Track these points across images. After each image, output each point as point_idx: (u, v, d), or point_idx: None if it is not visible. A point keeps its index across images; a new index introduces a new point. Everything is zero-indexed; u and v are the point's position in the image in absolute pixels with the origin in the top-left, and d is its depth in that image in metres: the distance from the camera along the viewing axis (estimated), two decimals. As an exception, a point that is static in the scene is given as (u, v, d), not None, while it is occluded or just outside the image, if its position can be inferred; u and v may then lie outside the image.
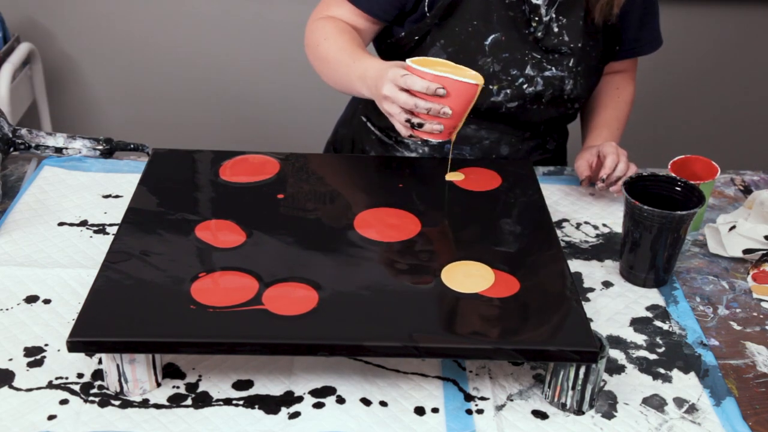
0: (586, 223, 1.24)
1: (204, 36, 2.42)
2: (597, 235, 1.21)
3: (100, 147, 1.34)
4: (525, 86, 1.28)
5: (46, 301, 1.02)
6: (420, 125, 1.07)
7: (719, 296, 1.11)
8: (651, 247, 1.07)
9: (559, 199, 1.29)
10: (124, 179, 1.27)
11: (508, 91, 1.28)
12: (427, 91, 1.04)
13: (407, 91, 1.06)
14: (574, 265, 1.14)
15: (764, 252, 1.15)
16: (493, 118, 1.32)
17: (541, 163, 1.40)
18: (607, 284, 1.11)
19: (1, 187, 1.25)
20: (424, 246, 1.02)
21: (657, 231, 1.06)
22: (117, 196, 1.23)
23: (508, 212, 1.12)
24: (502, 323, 0.91)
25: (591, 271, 1.13)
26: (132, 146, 1.36)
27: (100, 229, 1.16)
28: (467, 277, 0.97)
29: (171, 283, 0.93)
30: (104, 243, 1.11)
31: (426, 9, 1.26)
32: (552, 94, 1.30)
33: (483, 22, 1.25)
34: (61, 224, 1.16)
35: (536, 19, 1.27)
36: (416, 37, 1.28)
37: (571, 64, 1.29)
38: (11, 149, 1.30)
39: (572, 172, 1.35)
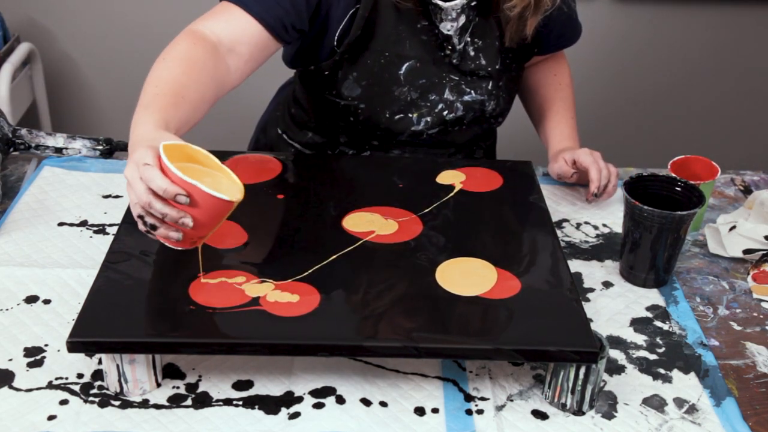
0: (586, 223, 1.24)
1: (204, 36, 2.41)
2: (597, 235, 1.21)
3: (100, 147, 1.34)
4: (445, 113, 1.25)
5: (46, 302, 1.02)
6: (153, 227, 0.87)
7: (719, 296, 1.11)
8: (651, 247, 1.07)
9: (559, 199, 1.29)
10: (124, 179, 1.27)
11: (428, 118, 1.25)
12: (164, 194, 0.84)
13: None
14: (574, 265, 1.14)
15: (764, 252, 1.15)
16: (416, 143, 1.29)
17: None
18: (607, 284, 1.11)
19: (1, 187, 1.25)
20: (426, 247, 1.02)
21: (657, 231, 1.06)
22: (117, 196, 1.23)
23: (508, 213, 1.12)
24: (502, 323, 0.91)
25: (591, 271, 1.13)
26: (132, 146, 1.36)
27: (100, 229, 1.16)
28: (468, 276, 0.97)
29: (171, 283, 0.93)
30: (104, 243, 1.11)
31: (335, 44, 1.19)
32: (473, 116, 1.27)
33: (395, 51, 1.20)
34: (61, 224, 1.16)
35: (449, 47, 1.22)
36: (326, 73, 1.22)
37: (490, 87, 1.26)
38: (11, 149, 1.30)
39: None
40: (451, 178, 1.18)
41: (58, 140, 1.32)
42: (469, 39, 1.23)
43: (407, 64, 1.21)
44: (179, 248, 0.91)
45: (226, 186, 0.89)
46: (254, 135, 1.49)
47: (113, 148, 1.35)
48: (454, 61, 1.23)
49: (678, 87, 2.55)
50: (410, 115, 1.24)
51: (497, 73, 1.26)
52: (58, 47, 2.43)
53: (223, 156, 1.19)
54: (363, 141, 1.31)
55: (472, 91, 1.25)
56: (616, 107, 2.56)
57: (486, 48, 1.24)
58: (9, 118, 2.06)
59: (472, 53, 1.24)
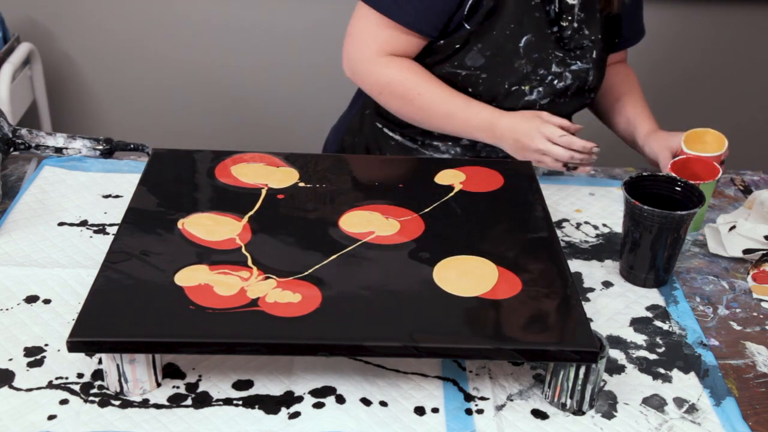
0: (586, 223, 1.24)
1: (204, 36, 2.42)
2: (597, 235, 1.21)
3: (100, 147, 1.34)
4: (555, 81, 1.31)
5: (46, 301, 1.02)
6: (574, 168, 1.25)
7: (719, 296, 1.11)
8: (651, 247, 1.07)
9: (559, 199, 1.29)
10: (124, 179, 1.27)
11: (540, 89, 1.31)
12: (583, 149, 1.22)
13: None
14: (574, 265, 1.14)
15: (764, 252, 1.15)
16: None
17: None
18: (607, 284, 1.11)
19: (1, 187, 1.25)
20: (426, 246, 1.02)
21: (657, 231, 1.06)
22: (117, 196, 1.23)
23: (508, 212, 1.12)
24: (502, 323, 0.91)
25: (591, 271, 1.13)
26: (132, 146, 1.36)
27: (100, 229, 1.16)
28: (469, 276, 0.97)
29: (171, 283, 0.93)
30: (104, 243, 1.11)
31: (464, 19, 1.26)
32: (577, 86, 1.33)
33: (517, 24, 1.27)
34: (61, 224, 1.16)
35: (569, 18, 1.29)
36: (457, 46, 1.28)
37: (594, 56, 1.32)
38: (11, 149, 1.30)
39: (571, 172, 1.34)
40: (451, 178, 1.18)
41: (58, 140, 1.32)
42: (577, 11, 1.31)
43: (525, 37, 1.27)
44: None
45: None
46: (332, 138, 1.53)
47: (113, 148, 1.35)
48: (568, 32, 1.30)
49: (678, 87, 2.55)
50: (523, 88, 1.30)
51: (599, 42, 1.33)
52: (58, 47, 2.43)
53: (223, 156, 1.19)
54: None
55: (578, 61, 1.31)
56: (616, 107, 2.56)
57: (589, 19, 1.31)
58: (9, 118, 2.06)
59: (575, 25, 1.31)
